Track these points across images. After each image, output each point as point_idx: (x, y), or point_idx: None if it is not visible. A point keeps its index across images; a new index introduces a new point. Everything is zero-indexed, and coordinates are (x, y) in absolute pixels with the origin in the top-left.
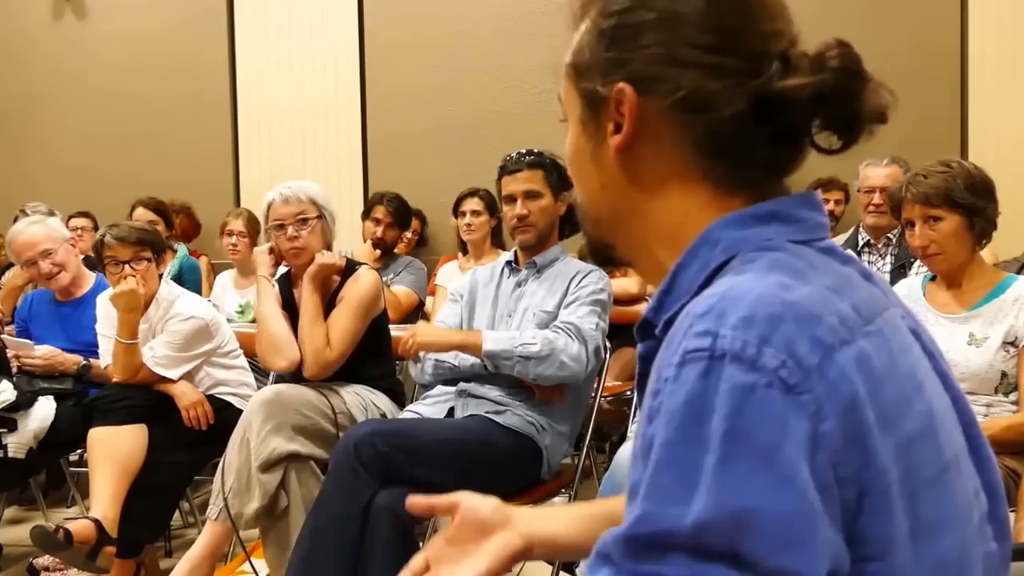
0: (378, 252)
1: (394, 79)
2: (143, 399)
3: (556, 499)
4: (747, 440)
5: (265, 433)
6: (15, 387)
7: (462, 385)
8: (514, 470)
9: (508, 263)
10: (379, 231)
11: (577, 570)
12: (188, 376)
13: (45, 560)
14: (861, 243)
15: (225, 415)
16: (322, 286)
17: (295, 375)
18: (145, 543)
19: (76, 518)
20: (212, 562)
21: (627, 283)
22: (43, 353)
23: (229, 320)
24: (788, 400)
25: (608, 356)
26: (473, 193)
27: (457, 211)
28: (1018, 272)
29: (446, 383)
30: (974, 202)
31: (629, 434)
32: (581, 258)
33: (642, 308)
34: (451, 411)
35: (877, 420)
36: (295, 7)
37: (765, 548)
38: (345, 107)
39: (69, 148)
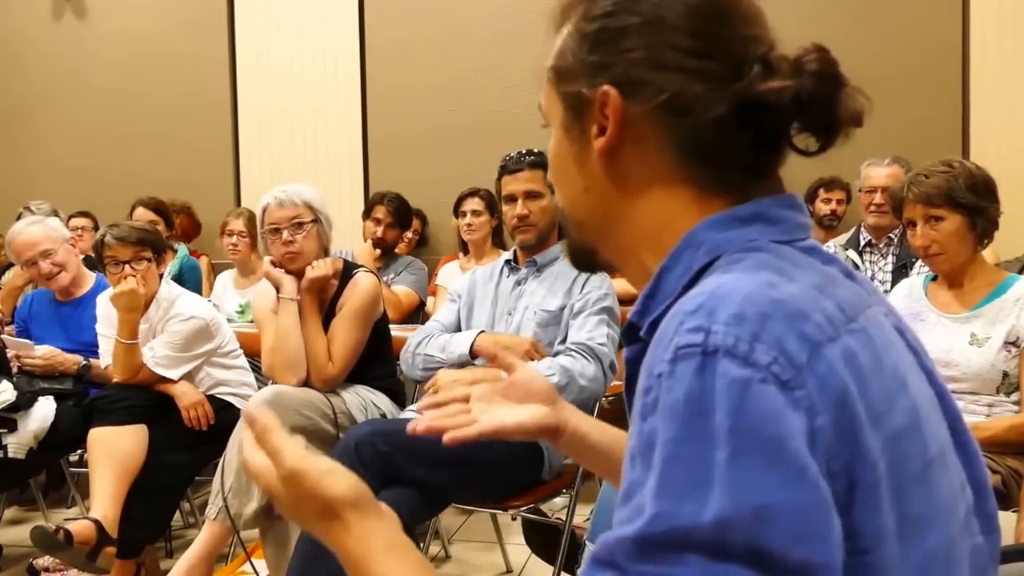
0: (378, 252)
1: (394, 79)
2: (143, 399)
3: (557, 500)
4: (754, 435)
5: None
6: (15, 387)
7: None
8: (515, 470)
9: (507, 262)
10: (380, 231)
11: (578, 571)
12: (188, 376)
13: (45, 561)
14: (862, 243)
15: (225, 415)
16: (320, 293)
17: None
18: (145, 543)
19: (76, 518)
20: (210, 562)
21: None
22: (43, 353)
23: (229, 320)
24: (784, 395)
25: None
26: (474, 193)
27: (458, 211)
28: (1020, 272)
29: None
30: (976, 202)
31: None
32: None
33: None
34: None
35: (866, 415)
36: (295, 6)
37: (787, 542)
38: (346, 107)
39: (69, 148)
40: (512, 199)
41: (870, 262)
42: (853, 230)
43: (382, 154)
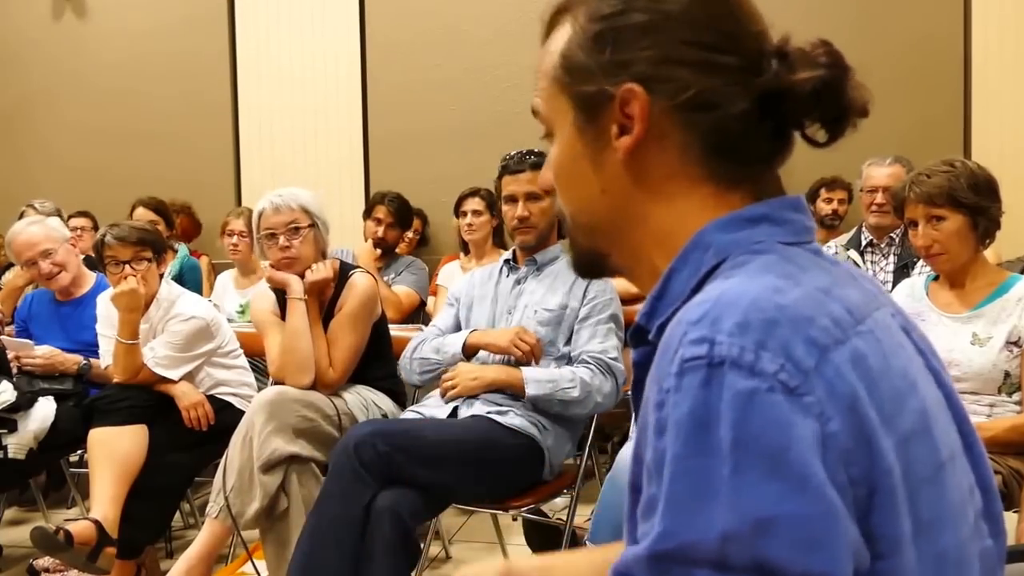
0: (379, 252)
1: (395, 78)
2: (143, 399)
3: (558, 500)
4: (755, 446)
5: (267, 433)
6: (15, 388)
7: None
8: (516, 470)
9: (507, 261)
10: (380, 231)
11: None
12: (189, 376)
13: (45, 561)
14: (864, 243)
15: (225, 415)
16: (319, 296)
17: None
18: (145, 544)
19: (76, 519)
20: (210, 562)
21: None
22: (43, 353)
23: (230, 320)
24: (792, 403)
25: None
26: (474, 193)
27: (458, 211)
28: (1022, 272)
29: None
30: (977, 202)
31: (631, 434)
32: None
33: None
34: (455, 411)
35: (879, 418)
36: (296, 5)
37: (790, 554)
38: (346, 106)
39: (69, 147)
40: (513, 200)
41: (871, 262)
42: (854, 230)
43: (383, 153)
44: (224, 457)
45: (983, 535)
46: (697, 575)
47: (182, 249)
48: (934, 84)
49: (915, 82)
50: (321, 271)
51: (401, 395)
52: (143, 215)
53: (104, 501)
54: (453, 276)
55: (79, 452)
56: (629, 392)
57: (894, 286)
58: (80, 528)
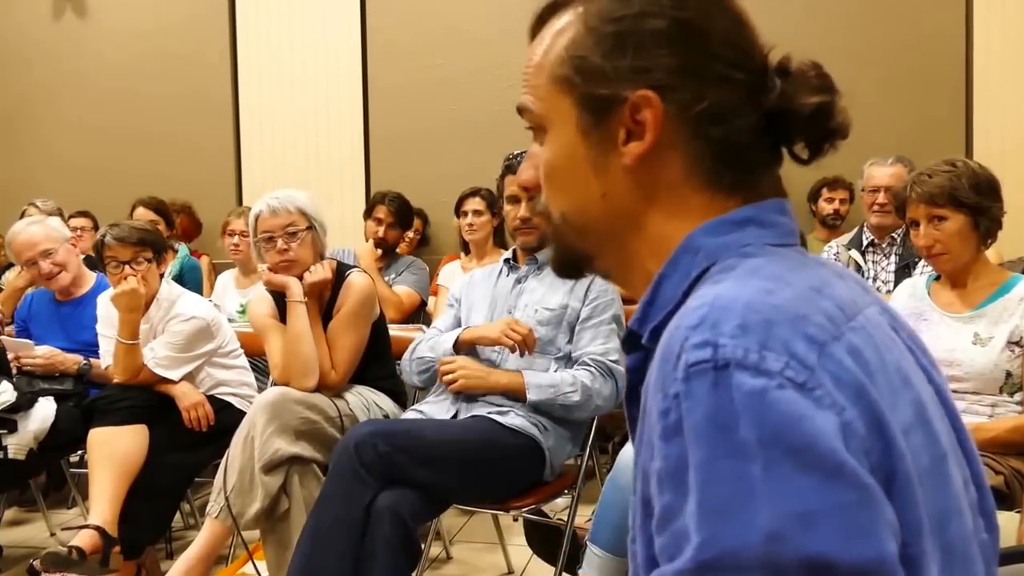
0: (380, 252)
1: (396, 77)
2: (144, 400)
3: (558, 500)
4: (781, 443)
5: (268, 434)
6: (15, 388)
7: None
8: (516, 471)
9: (507, 260)
10: (381, 231)
11: (579, 571)
12: (189, 376)
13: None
14: (865, 243)
15: (225, 415)
16: (318, 298)
17: None
18: (146, 544)
19: (76, 528)
20: (209, 562)
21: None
22: (43, 353)
23: (230, 320)
24: (805, 397)
25: None
26: (475, 193)
27: (459, 211)
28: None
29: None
30: (979, 201)
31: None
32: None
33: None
34: (456, 412)
35: (884, 404)
36: (297, 5)
37: (838, 545)
38: (347, 106)
39: (70, 147)
40: (515, 200)
41: (873, 262)
42: (856, 230)
43: (383, 153)
44: (225, 457)
45: (980, 529)
46: None
47: (182, 249)
48: (936, 84)
49: (916, 82)
50: (319, 272)
51: (402, 395)
52: (143, 215)
53: (104, 501)
54: (454, 276)
55: (79, 452)
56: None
57: (895, 286)
58: (87, 539)
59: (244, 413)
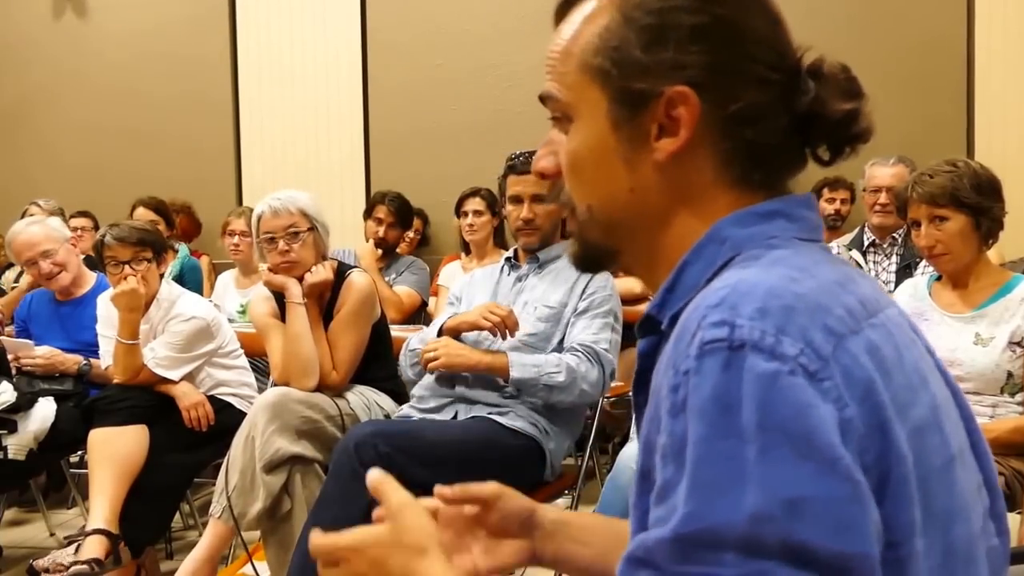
0: (380, 252)
1: (396, 77)
2: (144, 400)
3: (559, 501)
4: (782, 428)
5: (270, 433)
6: (15, 388)
7: (459, 390)
8: (516, 471)
9: (508, 259)
10: (381, 230)
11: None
12: (189, 377)
13: (45, 562)
14: (867, 243)
15: (225, 416)
16: (319, 298)
17: None
18: (146, 545)
19: (77, 537)
20: (214, 563)
21: (630, 283)
22: (43, 353)
23: (230, 320)
24: (813, 386)
25: None
26: (475, 193)
27: (459, 211)
28: None
29: (438, 382)
30: (980, 202)
31: (632, 435)
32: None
33: (645, 308)
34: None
35: (893, 407)
36: (297, 5)
37: (822, 534)
38: (347, 105)
39: (70, 147)
40: (518, 200)
41: (874, 262)
42: (857, 230)
43: (383, 153)
44: (226, 458)
45: (991, 534)
46: (725, 558)
47: (182, 249)
48: (937, 84)
49: (918, 82)
50: (319, 273)
51: (403, 395)
52: (143, 215)
53: (104, 502)
54: (454, 276)
55: (79, 453)
56: (631, 391)
57: (897, 286)
58: (96, 546)
59: (244, 413)
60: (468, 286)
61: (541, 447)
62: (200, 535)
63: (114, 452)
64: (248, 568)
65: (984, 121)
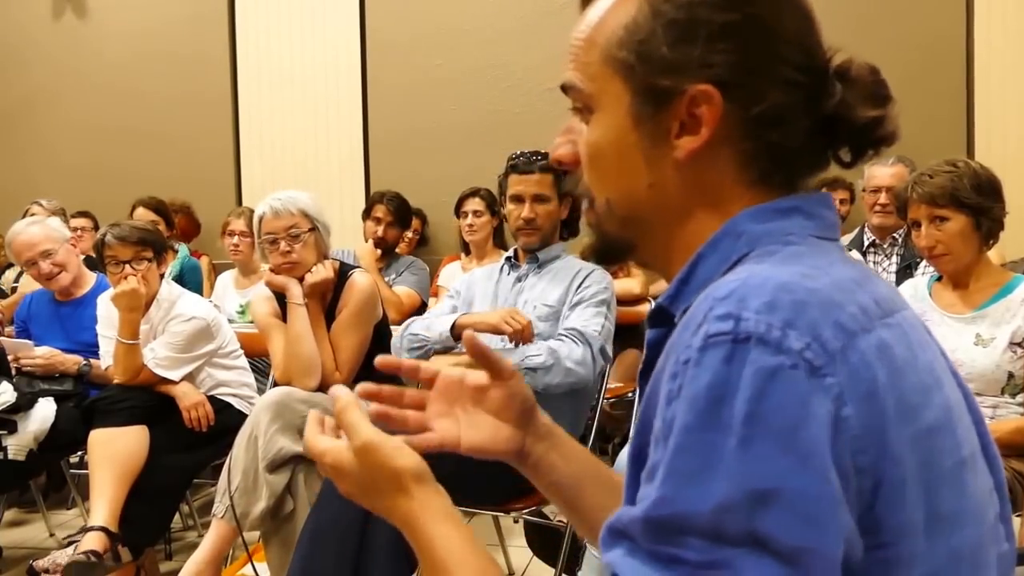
0: (379, 252)
1: (396, 77)
2: (144, 400)
3: None
4: (768, 421)
5: (272, 432)
6: (15, 388)
7: None
8: (517, 472)
9: (508, 259)
10: (380, 230)
11: (579, 573)
12: (189, 377)
13: (45, 562)
14: (866, 243)
15: (225, 416)
16: (320, 298)
17: None
18: (145, 545)
19: (77, 537)
20: (218, 564)
21: (630, 283)
22: (43, 354)
23: (230, 320)
24: (812, 382)
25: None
26: (474, 193)
27: (459, 211)
28: None
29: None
30: (980, 202)
31: (631, 435)
32: (583, 259)
33: (645, 309)
34: None
35: (896, 409)
36: (296, 5)
37: (784, 527)
38: (347, 105)
39: (70, 147)
40: (519, 200)
41: (874, 263)
42: (857, 230)
43: (383, 153)
44: (229, 458)
45: (1001, 538)
46: (691, 543)
47: (182, 249)
48: (937, 84)
49: (918, 82)
50: (320, 273)
51: None
52: (143, 215)
53: (104, 502)
54: (454, 277)
55: (79, 453)
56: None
57: (897, 287)
58: (96, 541)
59: (244, 414)
60: (468, 284)
61: None
62: (200, 536)
63: (114, 453)
64: (248, 569)
65: (984, 121)
